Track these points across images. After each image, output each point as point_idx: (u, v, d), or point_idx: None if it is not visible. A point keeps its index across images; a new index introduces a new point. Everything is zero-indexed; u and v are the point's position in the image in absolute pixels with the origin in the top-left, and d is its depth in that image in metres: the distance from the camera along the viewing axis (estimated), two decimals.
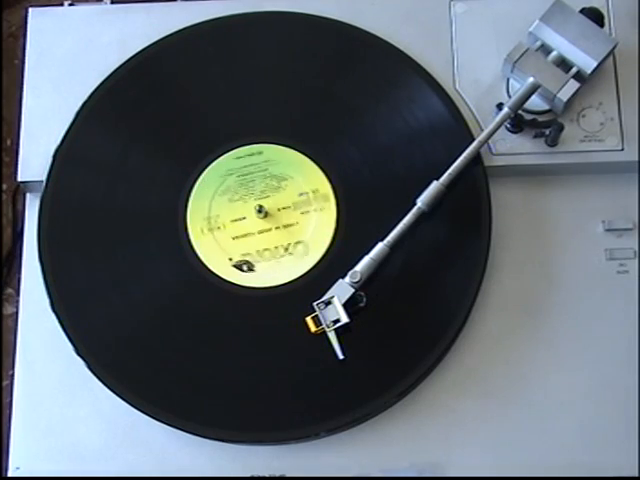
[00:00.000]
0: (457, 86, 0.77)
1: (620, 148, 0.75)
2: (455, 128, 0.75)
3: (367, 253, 0.71)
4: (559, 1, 0.75)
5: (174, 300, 0.73)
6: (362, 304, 0.71)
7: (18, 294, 0.76)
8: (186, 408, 0.70)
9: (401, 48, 0.78)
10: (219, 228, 0.75)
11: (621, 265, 0.74)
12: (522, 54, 0.74)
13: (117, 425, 0.72)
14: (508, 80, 0.77)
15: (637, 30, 0.77)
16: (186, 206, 0.75)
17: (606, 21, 0.76)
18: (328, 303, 0.70)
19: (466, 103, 0.77)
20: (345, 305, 0.70)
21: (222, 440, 0.70)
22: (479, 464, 0.70)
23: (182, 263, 0.74)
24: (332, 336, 0.69)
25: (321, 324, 0.70)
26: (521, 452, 0.70)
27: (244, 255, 0.74)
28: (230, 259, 0.74)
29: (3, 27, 0.97)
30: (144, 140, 0.77)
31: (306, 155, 0.76)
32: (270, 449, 0.71)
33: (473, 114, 0.76)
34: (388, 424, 0.71)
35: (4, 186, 0.92)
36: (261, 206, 0.74)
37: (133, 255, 0.74)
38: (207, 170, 0.76)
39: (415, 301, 0.72)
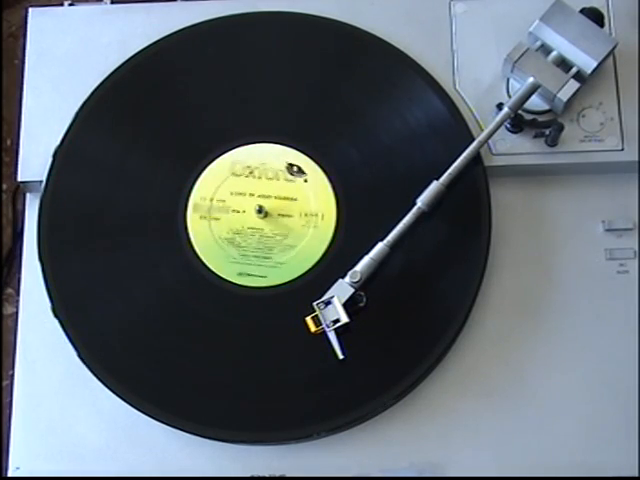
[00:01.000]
0: (457, 86, 0.77)
1: (620, 148, 0.75)
2: (455, 128, 0.75)
3: (367, 253, 0.71)
4: (559, 1, 0.75)
5: (174, 300, 0.73)
6: (362, 304, 0.71)
7: (18, 294, 0.76)
8: (186, 408, 0.70)
9: (401, 48, 0.78)
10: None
11: (621, 265, 0.74)
12: (522, 54, 0.74)
13: (117, 425, 0.72)
14: (508, 80, 0.77)
15: (637, 30, 0.77)
16: (186, 206, 0.75)
17: (606, 21, 0.76)
18: (328, 303, 0.70)
19: (466, 103, 0.77)
20: (345, 305, 0.70)
21: (222, 440, 0.70)
22: (479, 464, 0.70)
23: (182, 263, 0.74)
24: (332, 336, 0.69)
25: (321, 324, 0.70)
26: (521, 452, 0.70)
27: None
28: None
29: (3, 27, 0.97)
30: (144, 140, 0.77)
31: (306, 155, 0.76)
32: (270, 449, 0.71)
33: (473, 114, 0.76)
34: (388, 424, 0.71)
35: (4, 186, 0.92)
36: (261, 206, 0.74)
37: (133, 255, 0.74)
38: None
39: (415, 301, 0.72)
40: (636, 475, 0.69)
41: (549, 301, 0.73)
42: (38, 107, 0.79)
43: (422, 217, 0.72)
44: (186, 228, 0.75)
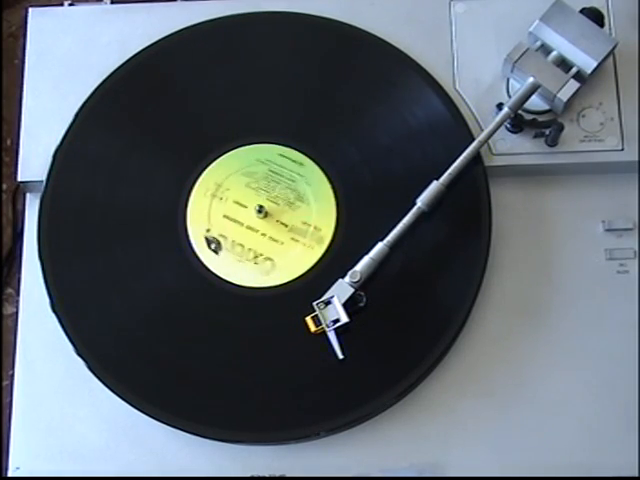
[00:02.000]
0: (457, 86, 0.77)
1: (620, 148, 0.75)
2: (455, 128, 0.75)
3: (367, 253, 0.71)
4: (559, 1, 0.75)
5: (174, 300, 0.73)
6: (362, 304, 0.71)
7: (18, 294, 0.76)
8: (186, 408, 0.70)
9: (401, 48, 0.78)
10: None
11: (621, 265, 0.74)
12: (522, 54, 0.74)
13: (117, 425, 0.72)
14: (508, 80, 0.77)
15: (637, 30, 0.77)
16: (186, 206, 0.75)
17: (606, 21, 0.76)
18: (328, 303, 0.70)
19: (466, 103, 0.77)
20: (345, 305, 0.70)
21: (222, 440, 0.70)
22: (479, 464, 0.70)
23: (182, 263, 0.74)
24: (332, 336, 0.69)
25: (321, 324, 0.70)
26: (521, 452, 0.70)
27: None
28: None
29: (3, 27, 0.97)
30: (144, 140, 0.77)
31: (306, 155, 0.76)
32: (270, 449, 0.71)
33: (473, 114, 0.76)
34: (388, 424, 0.71)
35: (4, 186, 0.92)
36: (261, 206, 0.74)
37: (133, 255, 0.74)
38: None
39: (415, 301, 0.72)
40: (636, 475, 0.69)
41: (549, 301, 0.73)
42: (38, 107, 0.79)
43: (422, 217, 0.72)
44: (186, 228, 0.75)
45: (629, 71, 0.76)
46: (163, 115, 0.78)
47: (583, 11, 0.76)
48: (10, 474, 0.71)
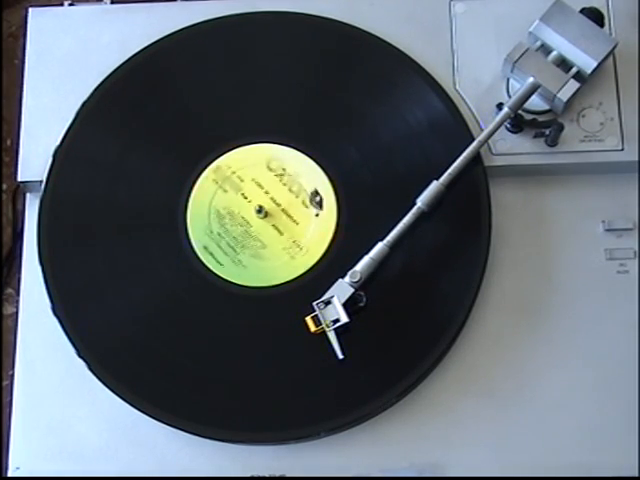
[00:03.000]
0: (457, 86, 0.77)
1: (620, 148, 0.75)
2: (455, 128, 0.75)
3: (367, 253, 0.71)
4: (559, 1, 0.75)
5: (174, 300, 0.73)
6: (362, 304, 0.71)
7: (18, 294, 0.76)
8: (186, 408, 0.70)
9: (401, 48, 0.78)
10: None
11: (621, 265, 0.74)
12: (522, 54, 0.74)
13: (117, 425, 0.72)
14: (508, 80, 0.77)
15: (637, 30, 0.77)
16: (186, 206, 0.75)
17: (606, 21, 0.76)
18: (328, 303, 0.70)
19: (466, 103, 0.77)
20: (345, 305, 0.70)
21: (222, 440, 0.70)
22: (479, 464, 0.70)
23: (182, 263, 0.74)
24: (332, 336, 0.69)
25: (321, 324, 0.70)
26: (521, 452, 0.70)
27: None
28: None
29: (3, 27, 0.97)
30: (144, 140, 0.77)
31: (306, 155, 0.76)
32: (270, 449, 0.71)
33: (473, 114, 0.76)
34: (388, 424, 0.71)
35: (4, 186, 0.92)
36: (261, 206, 0.74)
37: (133, 255, 0.74)
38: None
39: (415, 301, 0.72)
40: (636, 475, 0.69)
41: (549, 301, 0.73)
42: (38, 107, 0.79)
43: (422, 217, 0.72)
44: (186, 228, 0.75)
45: (629, 71, 0.76)
46: (163, 115, 0.78)
47: (583, 11, 0.76)
48: (10, 474, 0.71)
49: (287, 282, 0.73)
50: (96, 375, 0.71)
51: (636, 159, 0.74)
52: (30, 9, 0.83)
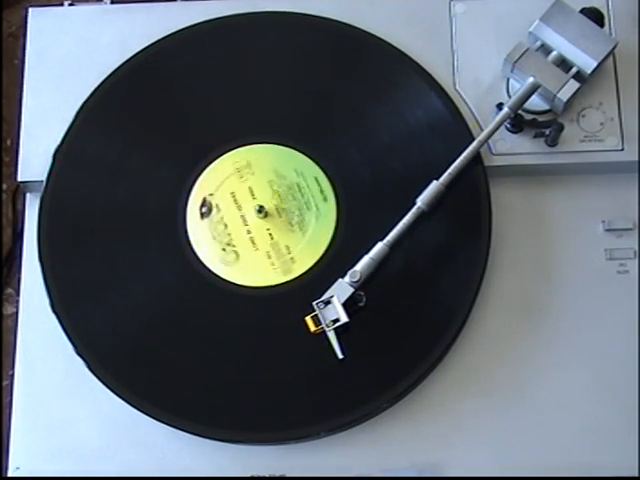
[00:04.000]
0: (457, 86, 0.77)
1: (620, 148, 0.75)
2: (455, 128, 0.75)
3: (367, 253, 0.71)
4: (559, 1, 0.75)
5: (174, 300, 0.73)
6: (362, 304, 0.71)
7: (18, 294, 0.76)
8: (186, 408, 0.70)
9: (401, 48, 0.78)
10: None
11: (621, 265, 0.74)
12: (522, 54, 0.74)
13: (117, 425, 0.72)
14: (508, 80, 0.77)
15: (637, 30, 0.77)
16: (186, 206, 0.75)
17: (606, 21, 0.76)
18: (327, 302, 0.70)
19: (466, 103, 0.77)
20: (345, 304, 0.70)
21: (222, 440, 0.70)
22: (479, 464, 0.70)
23: (182, 263, 0.74)
24: (332, 335, 0.69)
25: (320, 324, 0.70)
26: (521, 452, 0.70)
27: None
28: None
29: (3, 27, 0.97)
30: (144, 140, 0.77)
31: (306, 155, 0.76)
32: (270, 449, 0.71)
33: (473, 114, 0.76)
34: (388, 424, 0.71)
35: (4, 186, 0.92)
36: (262, 207, 0.74)
37: (133, 255, 0.74)
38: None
39: (415, 301, 0.72)
40: (636, 475, 0.69)
41: (549, 301, 0.73)
42: (38, 107, 0.79)
43: (422, 217, 0.72)
44: (186, 228, 0.75)
45: (629, 71, 0.76)
46: (163, 115, 0.78)
47: (583, 11, 0.76)
48: (10, 474, 0.71)
49: (287, 282, 0.73)
50: (96, 375, 0.71)
51: (636, 159, 0.74)
52: (30, 9, 0.83)
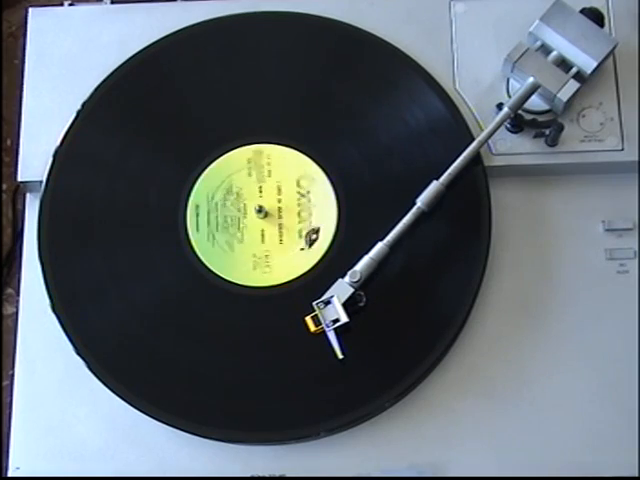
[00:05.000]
0: (457, 86, 0.77)
1: (620, 148, 0.75)
2: (455, 128, 0.75)
3: (367, 253, 0.71)
4: (559, 1, 0.75)
5: (174, 300, 0.73)
6: (361, 304, 0.71)
7: (18, 294, 0.76)
8: (186, 408, 0.70)
9: (401, 48, 0.78)
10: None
11: (621, 265, 0.74)
12: (522, 54, 0.74)
13: (117, 425, 0.72)
14: (508, 80, 0.77)
15: (637, 30, 0.77)
16: (186, 206, 0.75)
17: (606, 21, 0.76)
18: (327, 303, 0.70)
19: (466, 103, 0.77)
20: (345, 305, 0.70)
21: (222, 440, 0.70)
22: (479, 464, 0.70)
23: (182, 263, 0.74)
24: (332, 336, 0.69)
25: (320, 324, 0.70)
26: (521, 452, 0.70)
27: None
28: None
29: (3, 27, 0.97)
30: (144, 140, 0.77)
31: (306, 155, 0.76)
32: (270, 449, 0.71)
33: (473, 114, 0.76)
34: (388, 424, 0.71)
35: (4, 186, 0.92)
36: (261, 207, 0.74)
37: (133, 255, 0.74)
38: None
39: (415, 301, 0.72)
40: (636, 475, 0.69)
41: (549, 301, 0.73)
42: (38, 107, 0.79)
43: (422, 217, 0.72)
44: (186, 228, 0.75)
45: (629, 71, 0.76)
46: (163, 115, 0.78)
47: (583, 11, 0.76)
48: (10, 474, 0.71)
49: (287, 282, 0.73)
50: (96, 375, 0.71)
51: (636, 159, 0.74)
52: (30, 9, 0.83)
